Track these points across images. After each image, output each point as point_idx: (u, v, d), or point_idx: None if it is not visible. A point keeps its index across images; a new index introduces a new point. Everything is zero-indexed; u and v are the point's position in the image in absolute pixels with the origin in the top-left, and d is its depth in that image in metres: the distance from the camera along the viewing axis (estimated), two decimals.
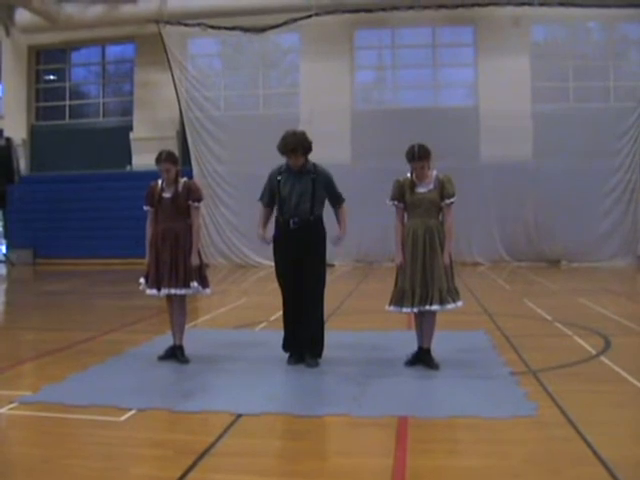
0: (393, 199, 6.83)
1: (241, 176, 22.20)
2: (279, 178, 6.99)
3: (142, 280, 7.23)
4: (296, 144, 6.83)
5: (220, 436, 4.72)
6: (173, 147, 21.66)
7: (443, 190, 6.67)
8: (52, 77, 27.07)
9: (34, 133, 26.42)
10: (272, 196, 7.04)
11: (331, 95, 22.47)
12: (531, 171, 21.81)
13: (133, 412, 5.27)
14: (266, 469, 4.26)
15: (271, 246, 7.13)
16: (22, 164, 24.86)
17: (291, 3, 22.20)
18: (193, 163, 23.40)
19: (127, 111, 25.86)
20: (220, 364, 7.08)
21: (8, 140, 23.27)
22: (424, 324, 6.78)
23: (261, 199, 7.19)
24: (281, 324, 7.20)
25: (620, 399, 5.65)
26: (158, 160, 7.12)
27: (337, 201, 7.14)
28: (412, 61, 23.96)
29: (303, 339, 6.96)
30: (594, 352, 7.48)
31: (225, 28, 22.58)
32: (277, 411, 5.36)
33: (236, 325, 9.84)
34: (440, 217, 6.76)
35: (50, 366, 7.14)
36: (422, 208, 6.67)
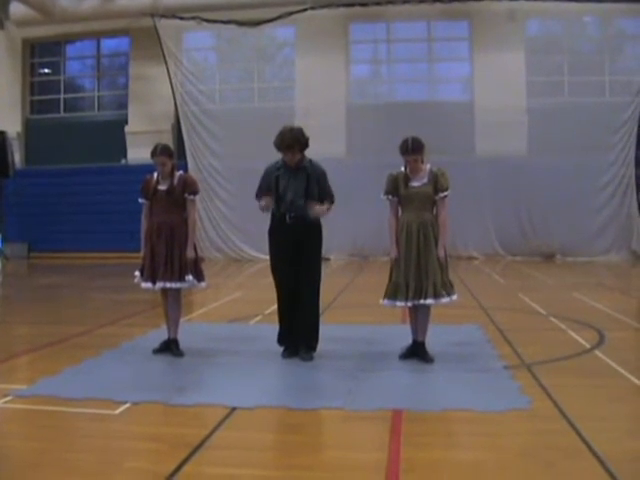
0: (387, 193, 6.82)
1: (236, 170, 22.21)
2: (277, 174, 6.97)
3: (137, 273, 7.23)
4: (293, 141, 6.81)
5: (214, 429, 4.72)
6: (168, 141, 21.61)
7: (437, 184, 6.67)
8: (47, 70, 27.02)
9: (29, 127, 26.38)
10: (269, 191, 7.01)
11: (326, 89, 22.46)
12: (526, 165, 21.84)
13: (128, 405, 5.27)
14: (260, 462, 4.26)
15: (267, 238, 7.13)
16: (17, 158, 24.77)
17: None
18: (188, 157, 23.39)
19: (122, 104, 25.81)
20: (215, 358, 7.08)
21: (3, 134, 23.19)
22: (418, 318, 6.79)
23: (258, 197, 7.13)
24: (276, 318, 7.21)
25: (614, 393, 5.67)
26: (153, 154, 7.11)
27: (326, 197, 7.01)
28: (407, 55, 23.98)
29: (298, 333, 6.97)
30: (588, 346, 7.50)
31: (220, 22, 22.57)
32: (271, 404, 5.36)
33: (231, 319, 9.84)
34: (434, 211, 6.77)
35: (45, 360, 7.14)
36: (416, 202, 6.67)
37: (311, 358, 6.87)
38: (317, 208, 6.91)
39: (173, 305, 7.26)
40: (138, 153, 22.17)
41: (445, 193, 6.70)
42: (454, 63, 23.79)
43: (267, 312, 9.74)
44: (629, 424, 5.01)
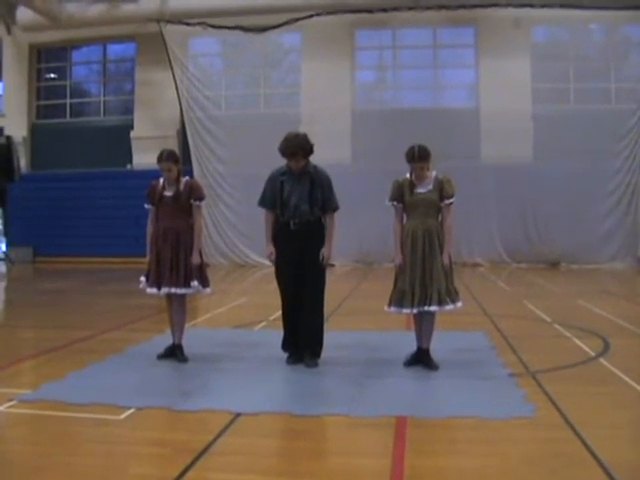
0: (392, 200, 6.83)
1: (241, 175, 22.24)
2: (282, 179, 6.98)
3: (143, 279, 7.24)
4: (296, 148, 6.81)
5: (219, 435, 4.72)
6: (174, 146, 21.65)
7: (442, 190, 6.67)
8: (53, 75, 27.09)
9: (35, 131, 26.42)
10: (274, 198, 7.01)
11: (332, 95, 22.47)
12: (531, 172, 21.81)
13: (132, 411, 5.27)
14: (264, 469, 4.26)
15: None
16: (22, 162, 24.87)
17: (292, 3, 22.17)
18: (193, 162, 23.40)
19: (128, 110, 25.86)
20: (219, 363, 7.08)
21: (9, 138, 23.29)
22: (423, 325, 6.79)
23: (263, 204, 7.12)
24: (280, 324, 7.21)
25: (619, 401, 5.66)
26: (159, 159, 7.12)
27: (328, 205, 6.98)
28: (413, 62, 23.98)
29: (302, 339, 6.97)
30: (593, 354, 7.49)
31: (226, 27, 22.58)
32: (276, 411, 5.36)
33: (235, 324, 9.84)
34: (439, 218, 6.77)
35: (49, 364, 7.15)
36: (421, 209, 6.67)
37: (316, 364, 6.87)
38: (325, 254, 6.94)
39: (178, 311, 7.27)
40: (144, 158, 22.19)
41: (451, 200, 6.70)
42: (460, 70, 23.79)
43: (272, 318, 9.74)
44: (634, 432, 5.00)
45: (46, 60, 26.95)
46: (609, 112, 21.93)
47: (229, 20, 22.37)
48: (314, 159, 7.04)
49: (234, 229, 23.37)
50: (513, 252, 22.33)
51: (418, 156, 6.59)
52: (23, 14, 23.83)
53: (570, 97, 22.62)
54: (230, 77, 25.12)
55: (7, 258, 25.19)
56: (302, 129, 7.31)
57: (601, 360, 7.19)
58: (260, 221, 7.22)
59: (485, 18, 22.28)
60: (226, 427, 4.89)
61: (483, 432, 4.82)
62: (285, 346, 7.11)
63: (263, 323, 9.79)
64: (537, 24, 22.73)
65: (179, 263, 7.04)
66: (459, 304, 6.71)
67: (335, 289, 12.56)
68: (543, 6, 21.02)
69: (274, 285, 7.25)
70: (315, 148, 6.93)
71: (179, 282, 7.03)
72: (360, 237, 21.57)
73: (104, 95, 26.72)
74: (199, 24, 22.57)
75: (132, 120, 25.30)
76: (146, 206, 7.31)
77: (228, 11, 22.34)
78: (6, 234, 26.08)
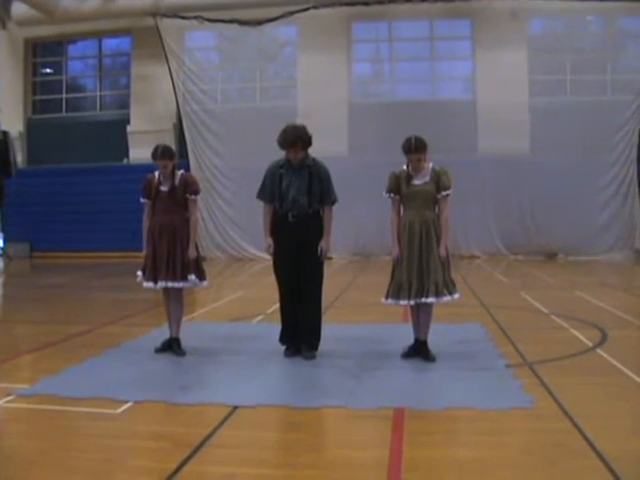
0: (389, 191, 6.82)
1: (238, 169, 22.24)
2: (280, 172, 6.96)
3: (139, 273, 7.24)
4: (296, 138, 6.80)
5: (217, 428, 4.72)
6: (170, 140, 21.67)
7: (439, 182, 6.66)
8: (49, 70, 27.04)
9: (31, 126, 26.39)
10: (273, 191, 7.00)
11: (328, 88, 22.46)
12: (528, 164, 21.82)
13: (130, 404, 5.27)
14: (262, 461, 4.26)
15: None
16: (19, 157, 24.82)
17: None
18: (190, 156, 23.40)
19: (124, 104, 25.84)
20: (217, 357, 7.08)
21: (5, 133, 23.20)
22: (421, 316, 6.79)
23: (261, 196, 7.10)
24: (278, 317, 7.21)
25: (616, 392, 5.66)
26: (154, 156, 7.10)
27: (326, 198, 6.98)
28: (409, 54, 23.96)
29: (300, 332, 6.97)
30: (591, 345, 7.49)
31: (222, 21, 22.57)
32: (273, 403, 5.36)
33: (233, 318, 9.84)
34: (436, 209, 6.76)
35: (47, 359, 7.14)
36: (418, 200, 6.67)
37: (313, 357, 6.88)
38: (324, 248, 6.94)
39: (175, 304, 7.27)
40: (140, 153, 22.16)
41: (447, 192, 6.69)
42: (456, 62, 23.80)
43: (269, 311, 9.74)
44: (632, 423, 4.99)
45: (41, 55, 26.91)
46: (606, 104, 21.96)
47: (225, 13, 22.35)
48: (311, 152, 7.02)
49: (231, 222, 23.38)
50: (510, 244, 22.36)
51: (415, 147, 6.58)
52: (18, 8, 23.80)
53: (567, 89, 22.63)
54: (226, 70, 25.09)
55: (4, 254, 25.15)
56: (299, 122, 7.26)
57: (599, 351, 7.19)
58: (257, 214, 7.22)
59: (481, 10, 22.28)
60: (224, 420, 4.89)
61: (481, 423, 4.83)
62: (283, 339, 7.11)
63: (261, 316, 9.78)
64: (534, 16, 22.72)
65: (175, 257, 7.04)
66: (456, 296, 6.71)
67: (333, 282, 12.57)
68: None
69: (271, 278, 7.25)
70: (312, 141, 6.92)
71: (176, 276, 7.03)
72: (357, 230, 21.62)
73: (100, 90, 26.69)
74: (195, 18, 22.56)
75: (128, 114, 25.27)
76: (142, 200, 7.29)
77: (224, 4, 22.33)
78: (3, 230, 26.04)
